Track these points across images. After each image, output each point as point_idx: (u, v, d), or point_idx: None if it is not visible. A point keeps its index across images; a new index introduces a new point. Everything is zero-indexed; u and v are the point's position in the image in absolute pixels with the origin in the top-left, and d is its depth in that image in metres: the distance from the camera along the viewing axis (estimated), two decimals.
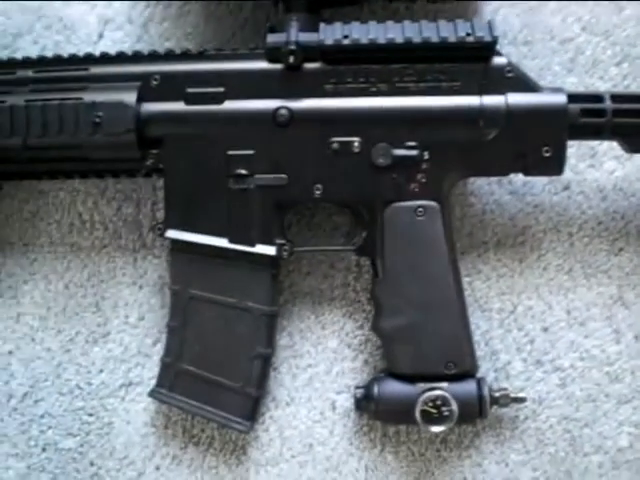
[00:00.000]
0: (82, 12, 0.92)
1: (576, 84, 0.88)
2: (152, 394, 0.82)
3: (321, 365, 0.86)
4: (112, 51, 0.84)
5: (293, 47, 0.78)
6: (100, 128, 0.78)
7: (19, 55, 0.87)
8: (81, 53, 0.85)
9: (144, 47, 0.89)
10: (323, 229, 0.86)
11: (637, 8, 0.89)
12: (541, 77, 0.89)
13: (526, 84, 0.79)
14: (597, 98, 0.79)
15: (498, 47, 0.78)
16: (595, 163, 0.87)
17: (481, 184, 0.87)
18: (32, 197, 0.89)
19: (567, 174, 0.81)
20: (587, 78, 0.89)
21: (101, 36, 0.91)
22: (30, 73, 0.82)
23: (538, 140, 0.79)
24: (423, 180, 0.79)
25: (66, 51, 0.90)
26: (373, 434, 0.85)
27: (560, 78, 0.90)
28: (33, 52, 0.91)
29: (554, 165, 0.79)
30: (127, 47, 0.90)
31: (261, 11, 0.89)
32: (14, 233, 0.89)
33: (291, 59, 0.78)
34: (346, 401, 0.85)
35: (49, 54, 0.87)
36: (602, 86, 0.89)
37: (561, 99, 0.78)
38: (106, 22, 0.91)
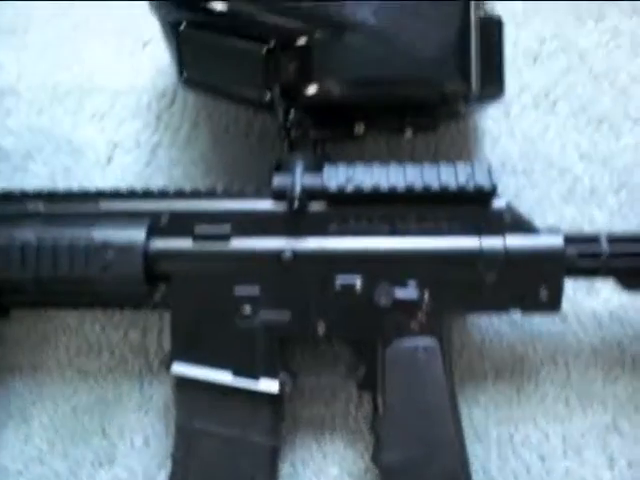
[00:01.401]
0: (91, 135, 0.93)
1: (574, 214, 0.90)
2: None
3: None
4: (120, 175, 0.87)
5: (298, 192, 0.79)
6: (110, 268, 0.79)
7: (29, 176, 0.89)
8: (91, 178, 0.86)
9: (153, 171, 0.92)
10: (326, 359, 0.88)
11: (634, 136, 0.90)
12: (539, 207, 0.92)
13: (523, 225, 0.81)
14: (594, 239, 0.80)
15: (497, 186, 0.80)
16: (592, 292, 0.88)
17: (480, 316, 0.88)
18: (40, 321, 0.91)
19: (564, 304, 0.83)
20: (585, 207, 0.91)
21: (110, 160, 0.93)
22: (41, 207, 0.84)
23: (535, 281, 0.81)
24: (423, 318, 0.81)
25: (75, 174, 0.92)
26: None
27: (558, 208, 0.92)
28: (42, 174, 0.93)
29: (551, 304, 0.81)
30: (136, 171, 0.92)
31: (267, 140, 0.90)
32: (23, 357, 0.91)
33: (296, 204, 0.79)
34: None
35: (58, 177, 0.89)
36: (600, 215, 0.91)
37: (558, 242, 0.80)
38: (115, 146, 0.93)
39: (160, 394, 0.89)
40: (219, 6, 0.81)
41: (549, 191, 0.92)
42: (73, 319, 0.91)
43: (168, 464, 0.86)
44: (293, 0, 0.80)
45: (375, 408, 0.83)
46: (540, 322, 0.88)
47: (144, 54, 0.95)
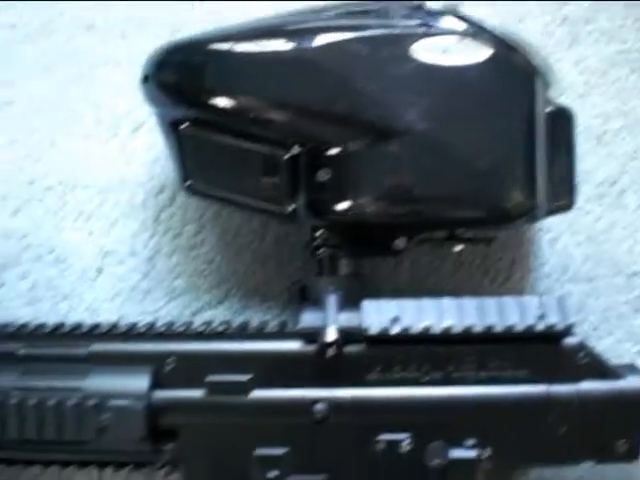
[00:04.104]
0: (77, 242, 0.79)
1: None
2: None
3: None
4: (113, 289, 0.75)
5: (335, 337, 0.65)
6: (106, 431, 0.65)
7: (5, 290, 0.74)
8: (78, 293, 0.73)
9: (151, 284, 0.78)
10: None
11: None
12: (605, 319, 0.79)
13: (600, 367, 0.70)
14: None
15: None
16: None
17: None
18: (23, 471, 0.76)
19: None
20: None
21: (100, 271, 0.78)
22: (21, 349, 0.69)
23: (613, 431, 0.69)
24: (482, 479, 0.67)
25: (60, 289, 0.77)
26: None
27: (627, 320, 0.80)
28: (22, 288, 0.80)
29: (629, 455, 0.70)
30: (131, 285, 0.77)
31: (286, 245, 0.76)
32: None
33: (330, 351, 0.65)
34: None
35: (40, 292, 0.74)
36: None
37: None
38: (105, 254, 0.79)
39: None
40: (228, 103, 0.64)
41: (616, 300, 0.80)
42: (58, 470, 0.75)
43: None
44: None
45: None
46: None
47: (136, 141, 0.79)
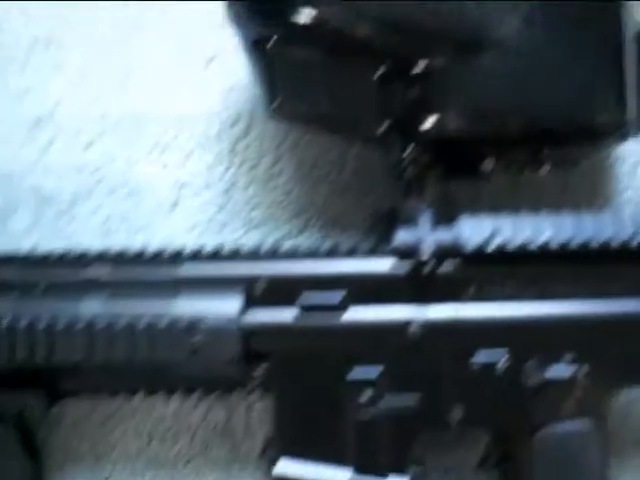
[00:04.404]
0: (151, 174, 0.77)
1: None
2: None
3: None
4: (189, 222, 0.73)
5: (430, 251, 0.64)
6: (199, 352, 0.64)
7: (77, 224, 0.72)
8: (153, 226, 0.71)
9: (228, 217, 0.75)
10: (451, 447, 0.73)
11: None
12: None
13: None
14: None
15: None
16: None
17: None
18: (102, 401, 0.75)
19: None
20: None
21: (176, 204, 0.76)
22: (106, 274, 0.67)
23: None
24: (580, 398, 0.67)
25: (134, 222, 0.75)
26: None
27: None
28: (95, 222, 0.77)
29: None
30: (207, 217, 0.75)
31: (365, 175, 0.74)
32: (84, 442, 0.76)
33: (427, 268, 0.64)
34: None
35: (113, 225, 0.73)
36: None
37: None
38: (181, 187, 0.77)
39: None
40: (315, 16, 0.63)
41: None
42: (142, 398, 0.73)
43: None
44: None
45: None
46: None
47: (210, 71, 0.78)
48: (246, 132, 0.78)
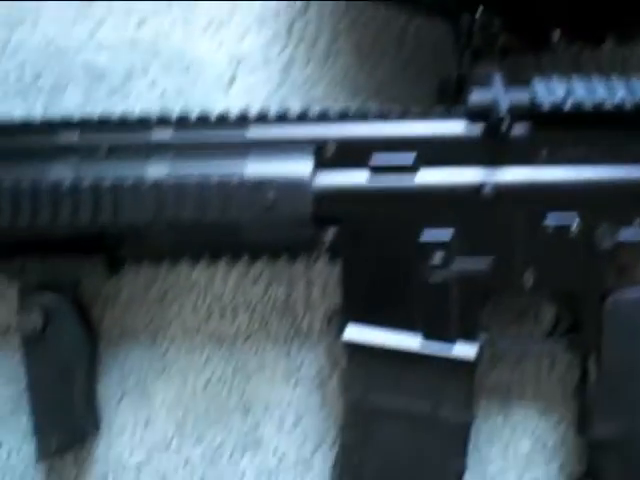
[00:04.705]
0: (207, 50, 0.76)
1: None
2: None
3: (511, 472, 0.72)
4: (247, 98, 0.73)
5: (504, 111, 0.63)
6: (270, 210, 0.62)
7: (131, 100, 0.71)
8: (211, 101, 0.70)
9: (287, 93, 0.75)
10: (518, 315, 0.72)
11: None
12: None
13: None
14: None
15: None
16: None
17: None
18: (159, 275, 0.73)
19: None
20: None
21: (233, 80, 0.75)
22: (170, 136, 0.66)
23: None
24: None
25: (191, 97, 0.73)
26: None
27: None
28: (150, 97, 0.76)
29: None
30: (266, 93, 0.74)
31: (426, 50, 0.73)
32: (139, 319, 0.74)
33: (504, 127, 0.63)
34: None
35: (170, 101, 0.71)
36: None
37: None
38: (238, 62, 0.75)
39: (311, 362, 0.74)
40: None
41: None
42: (200, 273, 0.73)
43: (324, 446, 0.74)
44: None
45: (585, 372, 0.70)
46: None
47: None
48: (304, 10, 0.77)
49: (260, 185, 0.64)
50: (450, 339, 0.66)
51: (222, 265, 0.74)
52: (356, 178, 0.66)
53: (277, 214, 0.64)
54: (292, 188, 0.64)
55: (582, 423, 0.70)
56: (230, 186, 0.64)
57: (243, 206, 0.64)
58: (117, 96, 0.76)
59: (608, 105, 0.65)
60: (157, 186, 0.64)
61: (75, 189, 0.65)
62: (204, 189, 0.64)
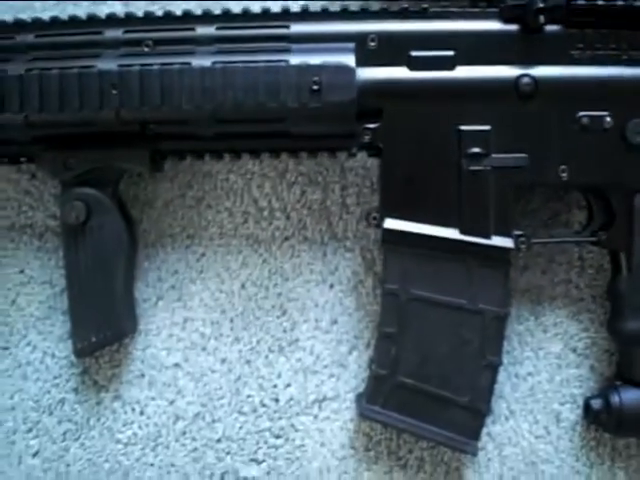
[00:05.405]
0: None
1: None
2: (363, 412, 0.69)
3: (543, 373, 0.74)
4: None
5: (541, 7, 0.65)
6: (317, 96, 0.64)
7: None
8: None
9: None
10: (550, 218, 0.74)
11: None
12: None
13: None
14: None
15: None
16: None
17: None
18: (196, 180, 0.75)
19: None
20: None
21: None
22: (213, 30, 0.68)
23: None
24: None
25: None
26: (601, 449, 0.75)
27: None
28: None
29: None
30: None
31: None
32: (176, 223, 0.75)
33: (540, 20, 0.66)
34: (571, 413, 0.74)
35: None
36: None
37: None
38: None
39: (347, 264, 0.75)
40: None
41: None
42: (237, 177, 0.75)
43: (360, 346, 0.74)
44: None
45: (616, 268, 0.72)
46: None
47: None
48: None
49: (307, 69, 0.65)
50: (485, 235, 0.67)
51: (257, 170, 0.74)
52: (396, 73, 0.67)
53: (323, 99, 0.65)
54: (338, 73, 0.65)
55: (613, 320, 0.71)
56: (277, 69, 0.65)
57: (289, 89, 0.65)
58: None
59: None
60: (203, 72, 0.65)
61: (122, 76, 0.65)
62: (250, 73, 0.65)
